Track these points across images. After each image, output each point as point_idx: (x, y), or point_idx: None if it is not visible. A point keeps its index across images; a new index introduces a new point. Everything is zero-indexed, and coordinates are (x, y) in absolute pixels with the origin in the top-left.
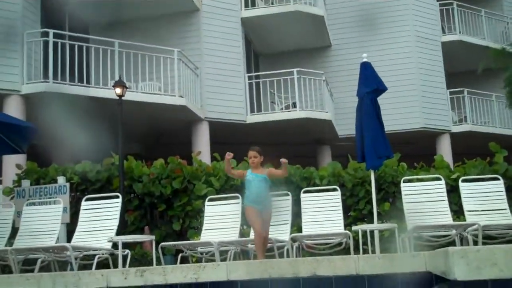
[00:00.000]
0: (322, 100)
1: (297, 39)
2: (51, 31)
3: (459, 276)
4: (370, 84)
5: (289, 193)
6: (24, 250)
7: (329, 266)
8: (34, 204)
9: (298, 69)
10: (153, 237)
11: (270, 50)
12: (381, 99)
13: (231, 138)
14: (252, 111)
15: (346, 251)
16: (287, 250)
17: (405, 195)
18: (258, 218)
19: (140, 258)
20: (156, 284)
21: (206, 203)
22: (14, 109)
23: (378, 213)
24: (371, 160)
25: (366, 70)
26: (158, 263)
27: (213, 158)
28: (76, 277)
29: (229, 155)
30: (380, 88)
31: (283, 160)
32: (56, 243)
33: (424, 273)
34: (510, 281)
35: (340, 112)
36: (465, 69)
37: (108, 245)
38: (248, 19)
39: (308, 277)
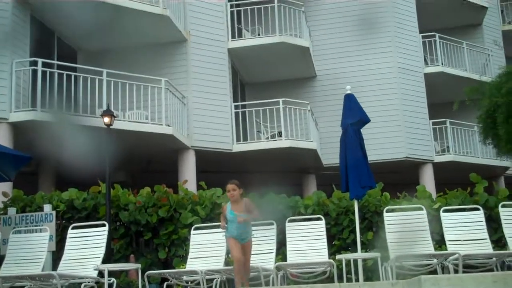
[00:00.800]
0: (307, 129)
1: (283, 69)
2: (40, 60)
3: None
4: (354, 116)
5: (274, 222)
6: (10, 278)
7: None
8: (20, 232)
9: (284, 99)
10: (139, 265)
11: (256, 79)
12: (365, 129)
13: (217, 167)
14: (238, 140)
15: (330, 279)
16: (272, 278)
17: (388, 224)
18: (237, 245)
19: (125, 286)
20: None
21: (192, 231)
22: (1, 137)
23: (362, 242)
24: (355, 190)
25: (350, 102)
26: None
27: (199, 187)
28: None
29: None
30: (364, 120)
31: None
32: (42, 271)
33: None
34: None
35: (325, 142)
36: (447, 99)
37: (94, 273)
38: (234, 49)
39: None
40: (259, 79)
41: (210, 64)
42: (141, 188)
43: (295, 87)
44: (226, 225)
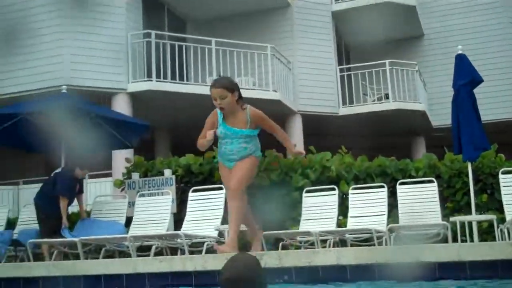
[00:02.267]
0: (415, 90)
1: (388, 30)
2: (153, 32)
3: None
4: (466, 76)
5: (384, 185)
6: (140, 238)
7: (433, 253)
8: (143, 195)
9: (390, 60)
10: (258, 226)
11: (360, 41)
12: (476, 88)
13: (323, 130)
14: (344, 103)
15: (443, 242)
16: (385, 239)
17: (504, 186)
18: (228, 175)
19: (242, 246)
20: (272, 267)
21: (304, 194)
22: (121, 106)
23: (476, 204)
24: (468, 152)
25: (462, 62)
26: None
27: (307, 151)
28: (203, 260)
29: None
30: (476, 80)
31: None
32: (166, 231)
33: None
34: None
35: (434, 102)
36: None
37: (215, 233)
38: (338, 12)
39: (412, 263)
40: (363, 41)
41: (314, 28)
42: None
43: (402, 48)
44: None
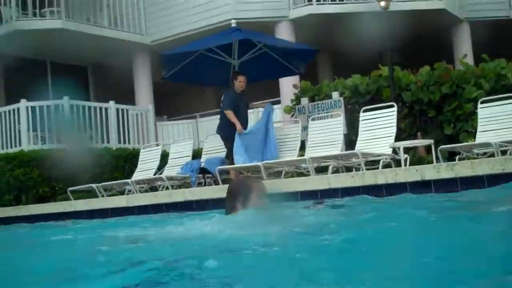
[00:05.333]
0: None
1: None
2: None
3: None
4: None
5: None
6: (319, 158)
7: None
8: (314, 119)
9: None
10: (431, 141)
11: None
12: None
13: (495, 37)
14: None
15: None
16: None
17: None
18: None
19: (416, 162)
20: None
21: (479, 105)
22: (284, 34)
23: None
24: None
25: None
26: None
27: (478, 60)
28: (393, 173)
29: None
30: None
31: None
32: (340, 151)
33: None
34: None
35: None
36: None
37: (389, 151)
38: None
39: None
40: None
41: None
42: (416, 68)
43: None
44: None
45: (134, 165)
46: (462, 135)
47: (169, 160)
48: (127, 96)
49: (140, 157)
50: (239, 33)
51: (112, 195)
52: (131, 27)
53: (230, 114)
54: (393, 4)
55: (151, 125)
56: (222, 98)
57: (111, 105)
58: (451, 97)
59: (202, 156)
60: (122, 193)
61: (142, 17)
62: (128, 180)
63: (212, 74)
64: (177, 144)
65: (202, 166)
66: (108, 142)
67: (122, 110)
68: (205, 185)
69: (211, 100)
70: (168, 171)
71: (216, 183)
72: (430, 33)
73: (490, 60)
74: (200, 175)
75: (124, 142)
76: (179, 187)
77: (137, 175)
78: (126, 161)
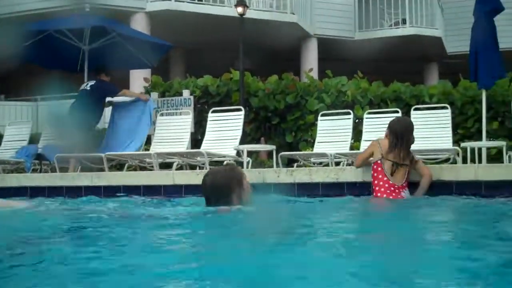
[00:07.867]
0: (433, 15)
1: None
2: None
3: None
4: (488, 4)
5: (398, 110)
6: (164, 154)
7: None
8: (162, 115)
9: None
10: (273, 147)
11: None
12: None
13: (338, 55)
14: (360, 28)
15: None
16: None
17: None
18: None
19: (258, 166)
20: (303, 182)
21: (319, 117)
22: (139, 25)
23: (487, 132)
24: (484, 79)
25: None
26: None
27: (322, 75)
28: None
29: None
30: (498, 8)
31: None
32: (186, 149)
33: None
34: None
35: (451, 29)
36: None
37: (233, 153)
38: None
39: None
40: None
41: None
42: (266, 76)
43: None
44: None
45: None
46: (301, 144)
47: (3, 143)
48: None
49: None
50: (94, 19)
51: None
52: None
53: (128, 91)
54: (250, 11)
55: None
56: (103, 87)
57: None
58: (294, 107)
59: (40, 141)
60: None
61: None
62: None
63: (59, 58)
64: (13, 126)
65: (39, 152)
66: None
67: None
68: (40, 172)
69: (53, 85)
70: (1, 154)
71: (53, 171)
72: (282, 44)
73: (333, 77)
74: (36, 161)
75: None
76: (11, 172)
77: None
78: None
